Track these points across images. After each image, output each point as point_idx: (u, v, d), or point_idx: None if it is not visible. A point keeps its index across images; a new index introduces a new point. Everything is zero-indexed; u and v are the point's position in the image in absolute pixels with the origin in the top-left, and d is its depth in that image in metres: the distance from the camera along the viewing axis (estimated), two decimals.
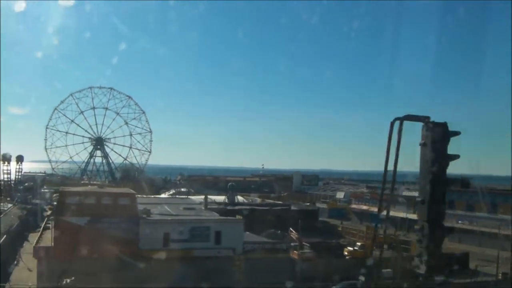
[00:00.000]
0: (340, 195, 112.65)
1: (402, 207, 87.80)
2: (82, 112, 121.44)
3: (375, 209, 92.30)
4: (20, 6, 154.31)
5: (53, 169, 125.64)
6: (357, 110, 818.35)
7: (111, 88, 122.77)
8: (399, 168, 45.84)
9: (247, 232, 60.83)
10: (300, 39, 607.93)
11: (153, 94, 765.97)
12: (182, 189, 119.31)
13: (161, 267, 46.05)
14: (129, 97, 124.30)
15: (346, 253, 61.05)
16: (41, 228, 61.33)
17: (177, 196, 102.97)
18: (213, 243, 50.18)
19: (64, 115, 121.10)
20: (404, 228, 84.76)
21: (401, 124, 43.82)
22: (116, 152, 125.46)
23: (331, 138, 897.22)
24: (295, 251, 59.02)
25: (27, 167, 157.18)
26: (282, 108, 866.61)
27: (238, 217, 54.32)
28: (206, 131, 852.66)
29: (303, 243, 63.73)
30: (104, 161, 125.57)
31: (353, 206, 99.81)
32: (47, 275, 44.58)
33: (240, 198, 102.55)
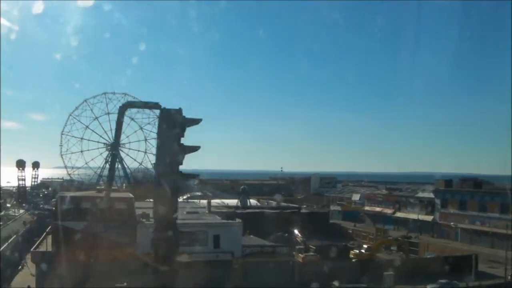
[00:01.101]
0: (356, 197, 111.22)
1: (415, 209, 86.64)
2: (96, 118, 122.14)
3: (388, 211, 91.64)
4: (38, 8, 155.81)
5: (69, 175, 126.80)
6: (378, 112, 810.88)
7: (125, 94, 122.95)
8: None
9: (251, 236, 60.57)
10: (320, 39, 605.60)
11: (173, 95, 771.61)
12: (197, 193, 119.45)
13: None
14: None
15: (351, 255, 60.24)
16: (45, 233, 61.83)
17: (189, 200, 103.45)
18: (211, 247, 49.78)
19: (79, 121, 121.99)
20: (415, 229, 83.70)
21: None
22: (131, 157, 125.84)
23: (353, 140, 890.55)
24: (299, 254, 58.61)
25: (48, 173, 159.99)
26: (304, 110, 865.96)
27: (238, 220, 53.78)
28: (227, 134, 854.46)
29: (310, 246, 63.31)
30: (119, 166, 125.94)
31: (366, 208, 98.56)
32: (45, 280, 44.89)
33: (253, 201, 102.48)
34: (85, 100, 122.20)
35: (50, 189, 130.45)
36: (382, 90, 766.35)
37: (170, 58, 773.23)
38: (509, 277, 54.58)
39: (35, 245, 52.39)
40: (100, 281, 43.63)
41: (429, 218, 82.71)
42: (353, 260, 58.88)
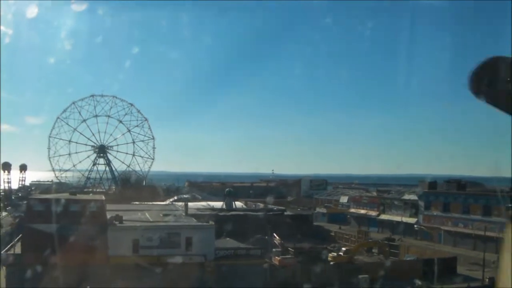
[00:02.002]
0: (343, 199, 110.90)
1: (399, 211, 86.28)
2: (84, 120, 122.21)
3: (373, 213, 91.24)
4: (32, 12, 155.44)
5: (57, 177, 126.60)
6: (373, 113, 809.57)
7: (113, 96, 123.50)
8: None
9: (227, 238, 60.12)
10: (312, 41, 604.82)
11: (168, 99, 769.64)
12: (185, 196, 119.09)
13: (129, 274, 45.41)
14: (131, 104, 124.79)
15: (330, 258, 59.67)
16: (19, 236, 61.22)
17: (177, 202, 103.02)
18: (183, 249, 49.26)
19: (67, 123, 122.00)
20: (400, 232, 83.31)
21: None
22: (119, 160, 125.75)
23: (348, 142, 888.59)
24: (276, 257, 58.17)
25: (42, 176, 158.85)
26: (298, 112, 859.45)
27: (211, 222, 53.31)
28: (221, 137, 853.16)
29: (289, 248, 62.88)
30: (107, 168, 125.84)
31: (352, 210, 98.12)
32: (15, 282, 44.40)
33: (239, 204, 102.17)
34: (73, 103, 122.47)
35: (36, 191, 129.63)
36: (377, 92, 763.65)
37: (163, 61, 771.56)
38: (486, 280, 54.17)
39: (7, 247, 51.78)
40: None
41: (413, 220, 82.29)
42: (331, 263, 58.31)
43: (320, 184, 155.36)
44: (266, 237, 68.23)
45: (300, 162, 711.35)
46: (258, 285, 48.24)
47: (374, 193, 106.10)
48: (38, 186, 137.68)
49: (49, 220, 47.12)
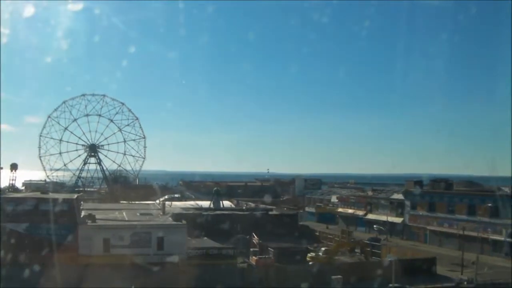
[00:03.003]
0: (334, 198, 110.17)
1: (386, 211, 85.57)
2: (75, 120, 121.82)
3: (360, 213, 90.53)
4: (29, 11, 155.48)
5: (47, 176, 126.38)
6: (372, 113, 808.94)
7: (104, 95, 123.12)
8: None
9: (205, 238, 59.56)
10: (308, 41, 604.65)
11: (165, 98, 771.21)
12: (175, 195, 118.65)
13: (100, 273, 44.97)
14: (122, 103, 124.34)
15: (308, 258, 59.02)
16: None
17: (166, 201, 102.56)
18: (155, 249, 48.73)
19: (58, 122, 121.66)
20: (386, 231, 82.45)
21: None
22: (110, 159, 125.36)
23: (347, 142, 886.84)
24: (253, 257, 57.61)
25: (39, 175, 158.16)
26: (295, 113, 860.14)
27: (183, 222, 52.67)
28: (220, 137, 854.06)
29: (269, 248, 62.20)
30: (98, 168, 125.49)
31: (340, 209, 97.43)
32: None
33: (227, 203, 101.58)
34: (64, 102, 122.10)
35: (27, 190, 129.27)
36: (374, 92, 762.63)
37: (160, 61, 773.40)
38: (464, 282, 53.45)
39: None
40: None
41: (399, 220, 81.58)
42: (310, 263, 57.64)
43: (314, 183, 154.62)
44: (248, 236, 67.68)
45: (299, 162, 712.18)
46: (230, 285, 47.56)
47: (370, 193, 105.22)
48: (29, 186, 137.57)
49: (19, 219, 46.91)
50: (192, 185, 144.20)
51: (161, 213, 60.84)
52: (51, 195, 54.29)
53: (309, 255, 59.51)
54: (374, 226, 69.77)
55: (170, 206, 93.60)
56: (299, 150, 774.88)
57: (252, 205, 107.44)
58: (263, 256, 57.10)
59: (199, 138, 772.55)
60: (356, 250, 68.34)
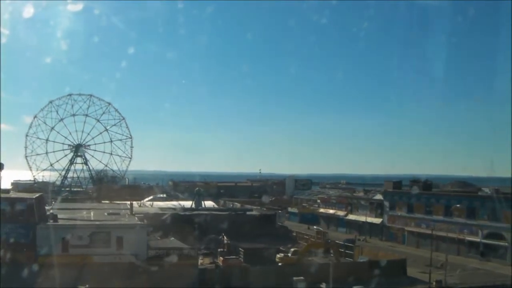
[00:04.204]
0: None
1: (366, 211, 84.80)
2: (62, 119, 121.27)
3: (341, 213, 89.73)
4: (28, 12, 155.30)
5: (33, 176, 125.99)
6: (370, 114, 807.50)
7: (90, 95, 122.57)
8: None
9: (172, 238, 58.89)
10: (303, 40, 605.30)
11: (163, 98, 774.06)
12: (161, 195, 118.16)
13: (58, 273, 44.26)
14: (109, 103, 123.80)
15: (277, 259, 58.26)
16: None
17: (148, 202, 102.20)
18: (114, 248, 48.01)
19: (44, 122, 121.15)
20: (366, 232, 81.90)
21: None
22: (97, 159, 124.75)
23: (342, 142, 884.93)
24: (220, 257, 56.96)
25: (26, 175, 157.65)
26: (293, 112, 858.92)
27: (144, 221, 52.01)
28: (217, 137, 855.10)
29: (240, 248, 61.48)
30: (84, 168, 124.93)
31: (321, 210, 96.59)
32: None
33: (210, 203, 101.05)
34: (51, 102, 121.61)
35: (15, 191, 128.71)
36: (373, 92, 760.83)
37: (159, 61, 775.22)
38: (433, 283, 52.60)
39: None
40: None
41: (378, 220, 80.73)
42: (279, 264, 56.90)
43: (305, 184, 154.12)
44: (220, 237, 67.03)
45: (297, 163, 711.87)
46: (188, 286, 46.89)
47: (361, 193, 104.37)
48: (16, 185, 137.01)
49: None
50: (181, 185, 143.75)
51: (129, 213, 60.25)
52: (11, 195, 53.65)
53: (278, 255, 58.76)
54: (314, 227, 69.05)
55: (151, 206, 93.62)
56: (296, 151, 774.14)
57: (238, 205, 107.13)
58: (231, 257, 56.41)
59: (197, 139, 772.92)
60: (331, 251, 67.55)
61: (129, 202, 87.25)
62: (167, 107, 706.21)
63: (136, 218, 56.48)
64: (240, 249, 60.84)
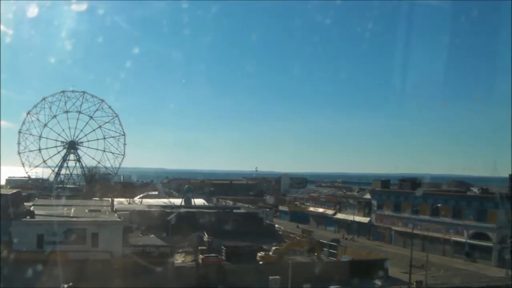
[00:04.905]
0: None
1: (354, 210, 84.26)
2: (55, 116, 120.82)
3: (330, 212, 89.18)
4: (33, 12, 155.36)
5: (26, 173, 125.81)
6: (371, 113, 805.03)
7: (83, 92, 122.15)
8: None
9: (152, 235, 58.55)
10: (303, 40, 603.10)
11: (164, 98, 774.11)
12: (153, 192, 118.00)
13: (32, 269, 43.92)
14: (102, 100, 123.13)
15: (258, 258, 57.74)
16: None
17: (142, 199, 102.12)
18: (89, 245, 47.65)
19: (37, 119, 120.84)
20: (355, 231, 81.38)
21: None
22: (90, 156, 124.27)
23: (345, 141, 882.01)
24: (200, 255, 56.49)
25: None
26: (294, 111, 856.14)
27: (119, 219, 51.55)
28: (217, 136, 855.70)
29: (223, 246, 61.06)
30: (77, 164, 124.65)
31: (311, 209, 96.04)
32: None
33: (200, 201, 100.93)
34: (44, 98, 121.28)
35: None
36: (376, 92, 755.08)
37: (162, 60, 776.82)
38: (414, 283, 52.04)
39: None
40: None
41: (366, 219, 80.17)
42: (260, 263, 56.42)
43: (300, 182, 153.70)
44: (204, 235, 66.70)
45: (298, 161, 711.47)
46: (162, 283, 46.49)
47: (355, 192, 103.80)
48: (9, 182, 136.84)
49: None
50: (176, 183, 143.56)
51: (110, 210, 59.74)
52: None
53: (259, 254, 58.22)
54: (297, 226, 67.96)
55: (141, 203, 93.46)
56: (297, 150, 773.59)
57: (230, 203, 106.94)
58: (210, 255, 55.91)
59: (198, 137, 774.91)
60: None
61: (118, 199, 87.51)
62: (167, 106, 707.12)
63: (116, 215, 56.04)
64: (222, 247, 60.43)
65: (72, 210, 58.06)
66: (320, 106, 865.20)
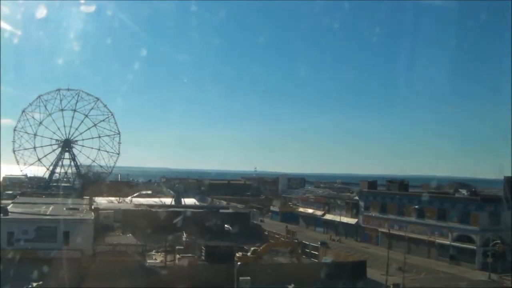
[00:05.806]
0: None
1: (343, 211, 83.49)
2: (50, 114, 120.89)
3: (319, 213, 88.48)
4: (41, 13, 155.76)
5: (21, 171, 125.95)
6: (376, 114, 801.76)
7: (79, 90, 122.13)
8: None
9: (129, 235, 58.21)
10: (303, 42, 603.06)
11: (170, 98, 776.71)
12: (147, 191, 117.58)
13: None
14: (97, 99, 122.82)
15: (236, 258, 57.17)
16: None
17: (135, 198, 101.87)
18: (60, 243, 47.36)
19: (33, 117, 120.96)
20: (343, 232, 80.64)
21: None
22: (84, 154, 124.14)
23: (352, 142, 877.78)
24: (177, 255, 56.07)
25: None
26: (296, 111, 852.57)
27: (90, 217, 51.23)
28: (219, 136, 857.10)
29: (202, 247, 60.59)
30: (72, 163, 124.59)
31: (301, 209, 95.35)
32: None
33: (191, 200, 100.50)
34: (39, 96, 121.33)
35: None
36: (381, 93, 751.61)
37: (171, 62, 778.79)
38: (390, 287, 51.28)
39: None
40: None
41: (353, 221, 79.37)
42: (238, 263, 55.82)
43: (298, 182, 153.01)
44: (185, 234, 66.24)
45: (300, 161, 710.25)
46: (132, 283, 46.03)
47: (351, 193, 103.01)
48: (5, 180, 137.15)
49: None
50: (173, 182, 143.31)
51: (87, 209, 59.44)
52: None
53: (237, 254, 57.63)
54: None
55: (130, 202, 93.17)
56: (298, 150, 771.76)
57: (224, 203, 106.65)
58: (187, 255, 55.52)
59: (201, 137, 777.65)
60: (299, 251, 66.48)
61: (108, 198, 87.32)
62: (171, 107, 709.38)
63: (92, 214, 55.80)
64: (202, 247, 59.97)
65: (50, 209, 57.93)
66: (325, 107, 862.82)
